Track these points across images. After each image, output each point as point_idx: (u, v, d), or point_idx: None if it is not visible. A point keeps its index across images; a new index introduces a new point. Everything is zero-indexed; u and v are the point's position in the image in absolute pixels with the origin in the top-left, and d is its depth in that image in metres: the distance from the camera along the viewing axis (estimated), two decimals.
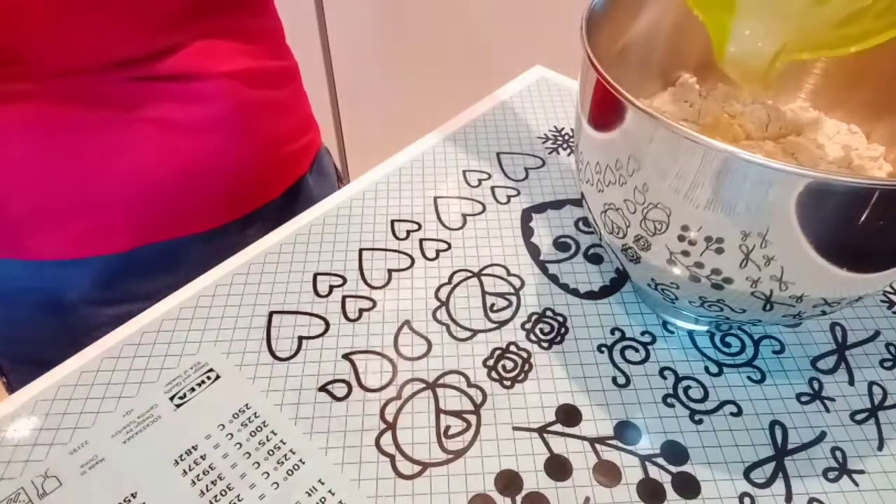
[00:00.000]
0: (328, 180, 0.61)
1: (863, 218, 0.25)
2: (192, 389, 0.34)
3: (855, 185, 0.24)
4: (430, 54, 1.19)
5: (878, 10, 0.29)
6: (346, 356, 0.36)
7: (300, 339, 0.37)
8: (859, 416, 0.34)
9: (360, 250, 0.43)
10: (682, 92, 0.40)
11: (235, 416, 0.33)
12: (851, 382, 0.35)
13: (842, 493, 0.31)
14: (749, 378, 0.35)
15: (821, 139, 0.36)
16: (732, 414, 0.34)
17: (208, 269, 0.41)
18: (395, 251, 0.43)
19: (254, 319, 0.38)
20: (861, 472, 0.31)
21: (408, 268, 0.42)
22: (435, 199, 0.46)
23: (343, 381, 0.35)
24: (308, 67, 0.57)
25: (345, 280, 0.41)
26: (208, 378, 0.35)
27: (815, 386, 0.35)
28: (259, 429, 0.33)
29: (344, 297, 0.39)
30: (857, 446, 0.32)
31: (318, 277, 0.41)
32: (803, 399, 0.34)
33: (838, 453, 0.32)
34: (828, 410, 0.34)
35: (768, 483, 0.31)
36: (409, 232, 0.44)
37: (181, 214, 0.47)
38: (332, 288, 0.40)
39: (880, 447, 0.33)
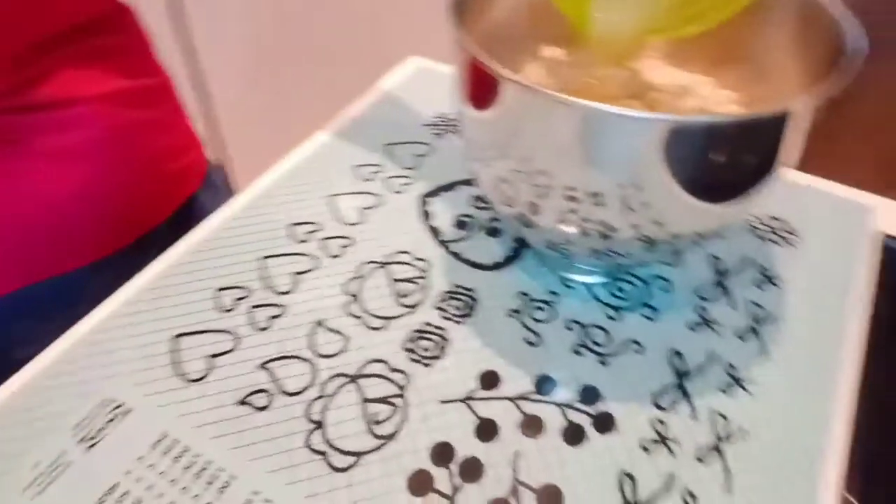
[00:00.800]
0: (223, 197, 0.59)
1: (718, 152, 0.28)
2: (102, 428, 0.33)
3: (706, 123, 0.27)
4: (302, 55, 1.17)
5: None
6: (261, 366, 0.36)
7: (210, 357, 0.36)
8: (744, 333, 0.38)
9: (261, 259, 0.42)
10: (549, 64, 0.42)
11: (154, 446, 0.32)
12: (734, 307, 0.39)
13: (738, 403, 0.34)
14: (644, 317, 0.38)
15: (678, 91, 0.39)
16: (635, 351, 0.36)
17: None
18: (297, 254, 0.42)
19: (158, 346, 0.36)
20: (750, 380, 0.35)
21: (313, 269, 0.41)
22: (330, 196, 0.46)
23: (262, 390, 0.34)
24: (179, 83, 0.55)
25: (249, 291, 0.40)
26: (118, 414, 0.33)
27: (703, 313, 0.39)
28: (182, 454, 0.32)
29: (250, 308, 0.39)
30: (746, 360, 0.36)
31: (221, 292, 0.40)
32: (693, 327, 0.38)
33: (730, 369, 0.36)
34: (716, 333, 0.38)
35: (674, 406, 0.34)
36: (308, 233, 0.44)
37: (67, 247, 0.45)
38: (236, 301, 0.39)
39: (764, 356, 0.36)
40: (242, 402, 0.34)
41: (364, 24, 1.13)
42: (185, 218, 0.53)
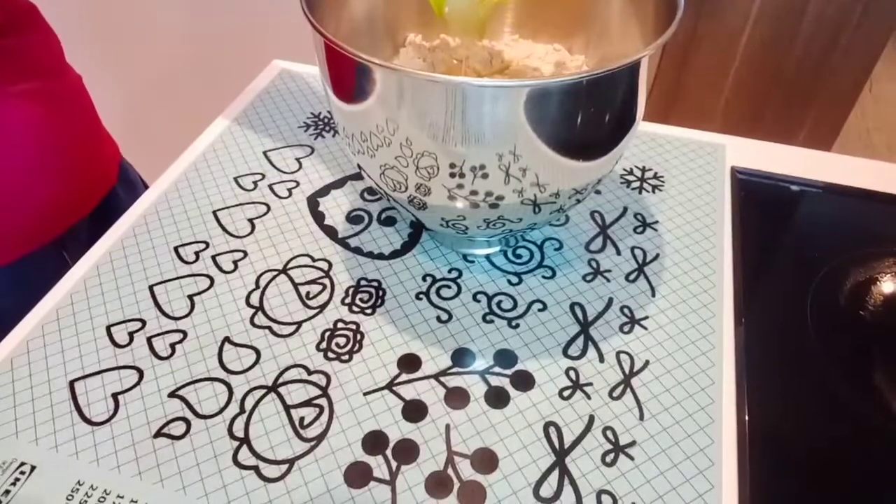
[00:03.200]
0: (137, 191, 0.59)
1: (578, 109, 0.30)
2: (7, 492, 0.30)
3: (561, 83, 0.29)
4: (165, 70, 1.11)
5: None
6: (172, 394, 0.34)
7: (114, 395, 0.34)
8: (632, 276, 0.41)
9: (151, 287, 0.40)
10: (413, 50, 0.43)
11: (70, 497, 0.30)
12: (619, 252, 0.42)
13: (638, 339, 0.37)
14: (543, 277, 0.40)
15: (535, 62, 0.42)
16: (539, 310, 0.38)
17: (24, 310, 0.37)
18: (188, 276, 0.41)
19: (54, 395, 0.34)
20: (646, 317, 0.38)
21: (208, 287, 0.40)
22: (214, 213, 0.45)
23: (178, 419, 0.33)
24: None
25: (143, 322, 0.38)
26: (22, 473, 0.31)
27: (594, 265, 0.41)
28: (102, 499, 0.30)
29: (149, 339, 0.37)
30: (637, 299, 0.39)
31: (113, 329, 0.37)
32: (588, 278, 0.40)
33: (626, 310, 0.39)
34: (608, 280, 0.40)
35: (583, 353, 0.36)
36: (197, 253, 0.42)
37: None
38: (131, 334, 0.37)
39: (653, 294, 0.40)
40: (158, 435, 0.32)
41: (226, 32, 1.09)
42: (107, 213, 0.52)
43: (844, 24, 1.14)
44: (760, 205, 0.46)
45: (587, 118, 0.31)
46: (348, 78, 0.32)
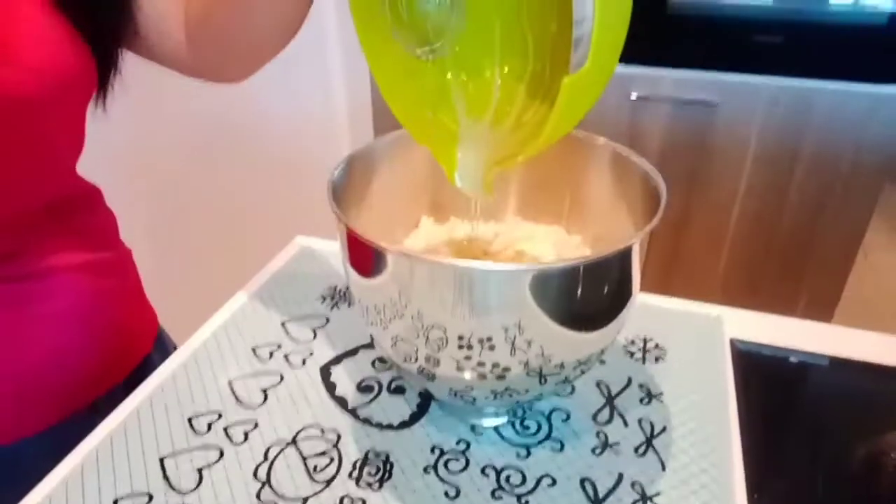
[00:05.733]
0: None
1: (577, 289, 0.32)
2: None
3: (563, 267, 0.32)
4: (192, 241, 1.18)
5: (535, 121, 0.39)
6: None
7: None
8: (641, 450, 0.41)
9: (161, 459, 0.40)
10: (424, 232, 0.47)
11: None
12: (626, 424, 0.42)
13: None
14: (552, 449, 0.40)
15: (537, 242, 0.45)
16: (549, 485, 0.38)
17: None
18: (199, 448, 0.41)
19: None
20: (657, 493, 0.38)
21: (218, 460, 0.40)
22: (230, 382, 0.46)
23: None
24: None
25: (150, 497, 0.38)
26: None
27: (602, 437, 0.41)
28: None
29: None
30: (648, 474, 0.39)
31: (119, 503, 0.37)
32: (597, 451, 0.40)
33: (636, 486, 0.38)
34: (617, 454, 0.40)
35: None
36: (209, 424, 0.43)
37: (30, 411, 0.46)
38: None
39: (663, 469, 0.39)
40: None
41: (251, 209, 1.18)
42: (139, 379, 0.52)
43: (828, 198, 1.22)
44: (762, 377, 0.47)
45: (586, 295, 0.33)
46: (366, 258, 0.35)
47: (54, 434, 0.47)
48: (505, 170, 0.40)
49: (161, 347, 0.59)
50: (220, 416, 0.43)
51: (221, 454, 0.40)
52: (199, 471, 0.39)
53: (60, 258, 0.46)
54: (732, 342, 0.50)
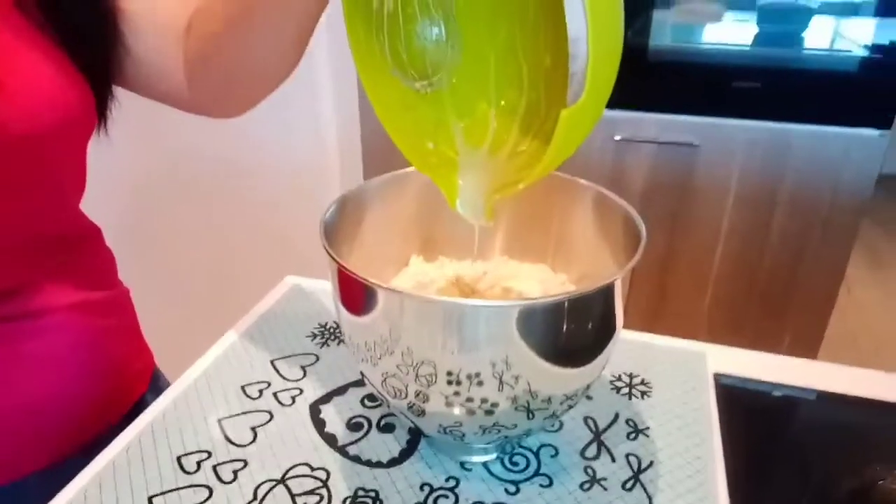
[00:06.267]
0: None
1: (563, 324, 0.33)
2: None
3: (548, 302, 0.33)
4: (177, 282, 1.18)
5: (530, 150, 0.40)
6: None
7: None
8: (628, 485, 0.41)
9: (150, 499, 0.40)
10: (414, 270, 0.48)
11: None
12: (613, 459, 0.43)
13: None
14: (540, 485, 0.41)
15: (523, 280, 0.47)
16: None
17: None
18: (187, 487, 0.41)
19: None
20: None
21: (206, 499, 0.40)
22: (219, 421, 0.46)
23: None
24: None
25: None
26: None
27: (590, 472, 0.42)
28: None
29: None
30: None
31: None
32: (585, 487, 0.41)
33: None
34: (605, 489, 0.41)
35: None
36: (199, 463, 0.43)
37: (24, 452, 0.46)
38: None
39: (651, 503, 0.40)
40: None
41: (241, 249, 1.19)
42: (134, 419, 0.52)
43: (808, 236, 1.25)
44: (746, 411, 0.47)
45: (572, 330, 0.34)
46: (358, 295, 0.36)
47: (48, 475, 0.47)
48: (504, 197, 0.41)
49: (156, 387, 0.59)
50: (209, 454, 0.43)
51: (211, 493, 0.40)
52: None
53: (59, 297, 0.47)
54: (716, 377, 0.50)
